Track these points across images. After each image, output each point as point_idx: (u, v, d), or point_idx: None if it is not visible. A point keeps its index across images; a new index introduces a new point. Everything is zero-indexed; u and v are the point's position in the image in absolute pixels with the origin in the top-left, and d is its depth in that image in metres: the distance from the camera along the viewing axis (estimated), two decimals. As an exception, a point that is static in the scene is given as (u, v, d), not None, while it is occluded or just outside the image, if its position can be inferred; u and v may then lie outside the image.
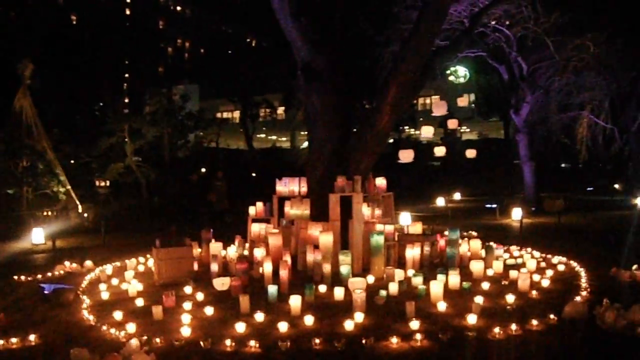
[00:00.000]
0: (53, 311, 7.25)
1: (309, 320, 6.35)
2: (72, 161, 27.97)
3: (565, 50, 18.20)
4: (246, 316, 6.66)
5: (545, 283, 8.17)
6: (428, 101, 46.91)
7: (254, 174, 31.25)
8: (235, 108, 39.40)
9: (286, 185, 10.50)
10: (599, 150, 23.46)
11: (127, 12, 42.63)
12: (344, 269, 8.33)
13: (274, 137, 46.55)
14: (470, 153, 15.54)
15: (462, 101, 14.83)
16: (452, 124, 13.77)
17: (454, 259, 9.35)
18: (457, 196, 27.99)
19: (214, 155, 32.71)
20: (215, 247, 9.82)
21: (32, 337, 6.02)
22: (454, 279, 7.98)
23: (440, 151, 13.92)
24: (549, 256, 10.55)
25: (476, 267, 8.77)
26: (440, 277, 8.09)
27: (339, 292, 7.45)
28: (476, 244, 10.47)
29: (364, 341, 5.66)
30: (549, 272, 8.93)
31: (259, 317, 6.52)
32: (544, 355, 5.48)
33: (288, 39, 10.14)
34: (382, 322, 6.37)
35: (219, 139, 34.73)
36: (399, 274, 8.42)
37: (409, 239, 9.81)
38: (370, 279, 8.47)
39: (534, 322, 6.16)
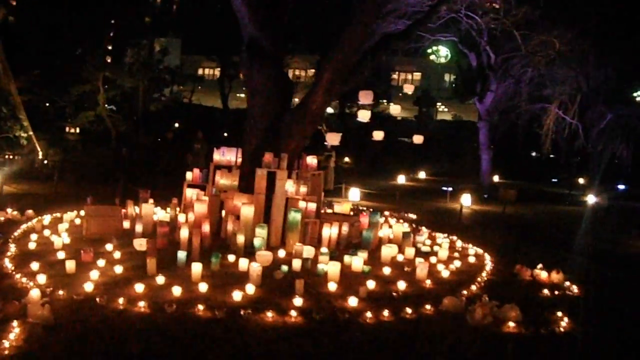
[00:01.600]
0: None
1: (203, 287, 6.99)
2: (48, 104, 28.36)
3: (532, 44, 18.70)
4: (150, 278, 7.28)
5: (446, 274, 8.79)
6: (409, 77, 47.45)
7: (226, 134, 31.61)
8: (216, 66, 39.57)
9: (224, 155, 11.06)
10: (563, 144, 24.18)
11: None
12: (257, 241, 8.97)
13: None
14: (417, 139, 16.08)
15: (408, 88, 15.21)
16: (394, 110, 14.01)
17: (369, 241, 10.00)
18: (421, 175, 28.68)
19: (188, 111, 33.04)
20: (147, 207, 10.37)
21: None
22: (357, 261, 8.63)
23: (378, 135, 14.42)
24: (468, 246, 11.23)
25: (386, 251, 9.42)
26: (347, 258, 8.79)
27: (243, 263, 8.07)
28: (398, 228, 11.10)
29: (242, 312, 6.31)
30: (457, 263, 9.58)
31: (160, 279, 7.17)
32: (397, 342, 6.03)
33: (236, 13, 10.54)
34: (269, 296, 6.99)
35: (193, 96, 34.87)
36: (308, 251, 9.03)
37: (330, 218, 10.44)
38: (282, 253, 9.12)
39: (409, 310, 6.81)
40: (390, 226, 11.78)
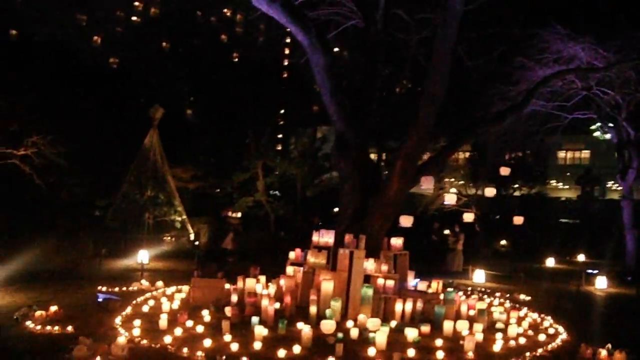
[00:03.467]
0: (99, 314, 10.36)
1: (257, 345, 8.71)
2: (218, 190, 32.63)
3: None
4: (221, 336, 9.14)
5: (497, 348, 9.59)
6: (577, 155, 46.24)
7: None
8: (374, 151, 41.94)
9: (322, 237, 12.83)
10: None
11: (287, 51, 47.44)
12: (328, 312, 10.50)
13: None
14: (517, 220, 16.38)
15: (504, 171, 15.72)
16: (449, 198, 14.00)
17: (440, 317, 11.00)
18: (580, 258, 27.95)
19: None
20: (250, 282, 12.39)
21: (70, 328, 9.13)
22: (411, 332, 9.78)
23: (468, 217, 15.04)
24: (553, 326, 11.64)
25: (448, 325, 10.41)
26: (407, 330, 9.98)
27: (306, 330, 9.58)
28: (481, 305, 11.98)
29: (275, 364, 7.92)
30: (522, 340, 10.24)
31: (227, 337, 9.01)
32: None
33: (327, 110, 12.58)
34: (309, 355, 8.50)
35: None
36: (373, 322, 10.31)
37: (409, 295, 11.64)
38: (350, 323, 10.51)
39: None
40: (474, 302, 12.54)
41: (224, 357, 8.11)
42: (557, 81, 18.33)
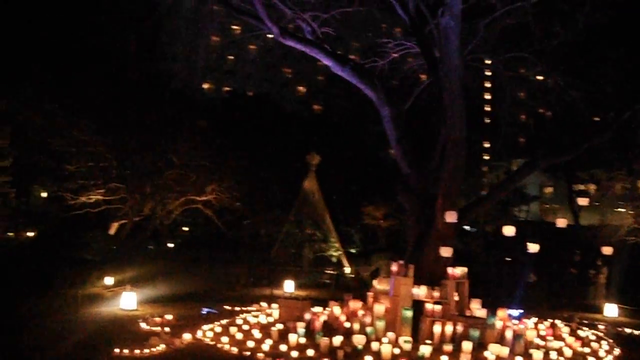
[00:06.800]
0: (197, 321, 14.45)
1: (283, 347, 11.99)
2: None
3: None
4: (265, 341, 12.52)
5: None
6: None
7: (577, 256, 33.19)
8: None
9: (399, 267, 15.52)
10: None
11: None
12: (369, 329, 13.28)
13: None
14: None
15: (582, 201, 16.03)
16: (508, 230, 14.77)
17: (475, 339, 13.02)
18: None
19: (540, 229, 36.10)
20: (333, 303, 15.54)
21: (167, 329, 13.33)
22: (425, 349, 12.15)
23: (534, 248, 15.57)
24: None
25: (466, 346, 12.49)
26: (423, 347, 12.36)
27: (325, 340, 12.48)
28: (530, 333, 13.71)
29: (280, 361, 11.18)
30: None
31: (269, 341, 12.41)
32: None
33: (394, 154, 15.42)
34: (315, 357, 11.50)
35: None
36: (404, 340, 12.82)
37: (455, 319, 13.80)
38: (385, 340, 13.12)
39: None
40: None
41: (248, 353, 11.57)
42: None
